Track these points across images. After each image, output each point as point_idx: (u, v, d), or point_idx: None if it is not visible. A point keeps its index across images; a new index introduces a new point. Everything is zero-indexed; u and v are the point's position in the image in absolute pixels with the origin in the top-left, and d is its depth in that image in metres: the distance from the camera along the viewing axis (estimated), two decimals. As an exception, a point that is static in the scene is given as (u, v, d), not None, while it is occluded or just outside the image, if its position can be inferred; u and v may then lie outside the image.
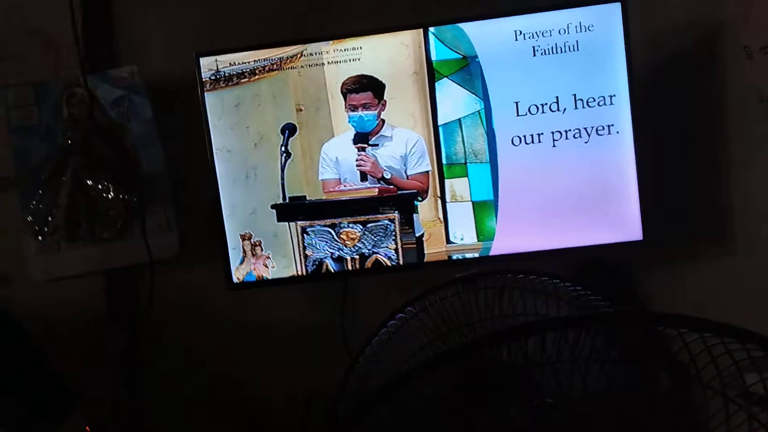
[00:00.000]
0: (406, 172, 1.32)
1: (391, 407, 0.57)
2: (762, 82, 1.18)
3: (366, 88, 1.31)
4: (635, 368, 0.63)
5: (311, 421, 1.43)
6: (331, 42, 1.30)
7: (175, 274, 1.50)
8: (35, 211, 1.41)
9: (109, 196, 1.42)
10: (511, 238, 1.32)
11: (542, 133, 1.29)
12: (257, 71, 1.32)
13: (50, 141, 1.42)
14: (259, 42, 1.32)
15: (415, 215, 1.32)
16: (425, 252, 1.33)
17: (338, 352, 1.39)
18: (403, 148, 1.32)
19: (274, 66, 1.32)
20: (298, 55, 1.32)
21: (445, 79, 1.30)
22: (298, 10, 1.47)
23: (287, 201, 1.34)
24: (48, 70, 1.45)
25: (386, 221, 1.32)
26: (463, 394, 0.77)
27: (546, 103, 1.29)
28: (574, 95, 1.28)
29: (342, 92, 1.31)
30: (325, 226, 1.33)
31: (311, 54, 1.31)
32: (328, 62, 1.31)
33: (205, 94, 1.33)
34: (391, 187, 1.32)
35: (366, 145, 1.32)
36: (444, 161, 1.32)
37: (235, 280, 1.36)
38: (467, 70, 1.30)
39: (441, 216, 1.33)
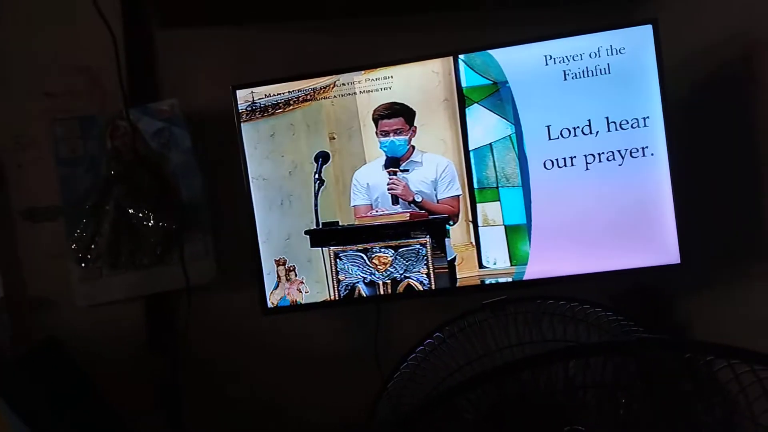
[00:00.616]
0: (436, 197, 1.33)
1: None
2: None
3: (398, 114, 1.33)
4: (666, 397, 0.61)
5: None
6: (362, 72, 1.33)
7: (212, 299, 1.53)
8: (79, 239, 1.47)
9: (149, 223, 1.47)
10: (545, 263, 1.30)
11: (575, 157, 1.28)
12: (291, 102, 1.36)
13: (94, 172, 1.48)
14: (293, 74, 1.36)
15: (446, 239, 1.32)
16: (457, 276, 1.33)
17: (372, 376, 1.39)
18: (434, 172, 1.33)
19: (308, 96, 1.35)
20: (331, 86, 1.35)
21: (476, 104, 1.31)
22: (330, 42, 1.51)
23: (320, 227, 1.36)
24: (94, 105, 1.52)
25: (418, 246, 1.32)
26: (495, 420, 0.77)
27: (578, 127, 1.28)
28: (607, 118, 1.27)
29: (374, 118, 1.33)
30: (357, 251, 1.34)
31: (344, 84, 1.34)
32: (360, 91, 1.34)
33: (242, 124, 1.37)
34: (422, 211, 1.32)
35: (397, 169, 1.33)
36: (476, 185, 1.32)
37: (269, 305, 1.38)
38: (498, 95, 1.30)
39: (473, 240, 1.32)
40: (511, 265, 1.32)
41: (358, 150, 1.35)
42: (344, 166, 1.35)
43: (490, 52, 1.30)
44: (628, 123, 1.27)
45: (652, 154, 1.26)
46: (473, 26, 1.49)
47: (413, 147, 1.33)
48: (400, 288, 1.34)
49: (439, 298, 1.33)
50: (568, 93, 1.28)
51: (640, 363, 0.58)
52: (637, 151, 1.27)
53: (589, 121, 1.28)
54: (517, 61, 1.29)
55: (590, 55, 1.27)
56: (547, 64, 1.28)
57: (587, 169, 1.28)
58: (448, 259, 1.32)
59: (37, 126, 1.50)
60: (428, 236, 1.32)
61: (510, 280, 1.31)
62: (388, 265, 1.34)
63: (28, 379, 1.27)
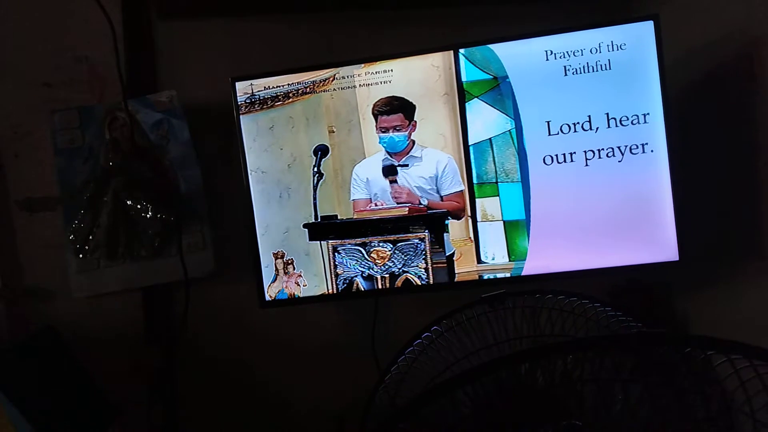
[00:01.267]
0: (438, 193, 1.33)
1: (414, 425, 0.57)
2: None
3: (397, 110, 1.32)
4: (665, 391, 0.61)
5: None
6: (362, 65, 1.33)
7: (210, 292, 1.53)
8: (77, 230, 1.47)
9: (148, 215, 1.46)
10: (544, 258, 1.30)
11: (575, 152, 1.28)
12: (291, 94, 1.36)
13: (93, 163, 1.47)
14: (293, 66, 1.35)
15: (445, 234, 1.32)
16: (456, 271, 1.33)
17: (369, 369, 1.39)
18: (434, 169, 1.32)
19: (308, 89, 1.35)
20: (331, 78, 1.34)
21: (476, 99, 1.31)
22: (330, 34, 1.50)
23: (319, 220, 1.36)
24: (92, 96, 1.52)
25: (416, 240, 1.32)
26: (492, 414, 0.77)
27: (578, 122, 1.28)
28: (607, 114, 1.27)
29: (373, 114, 1.33)
30: (355, 245, 1.34)
31: (343, 77, 1.34)
32: (360, 85, 1.33)
33: (241, 116, 1.36)
34: (422, 206, 1.32)
35: (396, 177, 1.33)
36: (475, 180, 1.32)
37: (267, 297, 1.38)
38: (498, 90, 1.30)
39: (472, 235, 1.32)
40: (510, 261, 1.32)
41: (358, 144, 1.35)
42: (343, 160, 1.35)
43: (491, 46, 1.29)
44: (628, 119, 1.27)
45: (652, 151, 1.26)
46: (474, 21, 1.49)
47: (413, 142, 1.33)
48: (398, 282, 1.34)
49: (437, 293, 1.33)
50: (568, 88, 1.28)
51: (639, 357, 0.58)
52: (637, 147, 1.27)
53: (589, 117, 1.27)
54: (517, 55, 1.29)
55: (591, 51, 1.27)
56: (547, 60, 1.28)
57: (587, 165, 1.28)
58: (447, 254, 1.32)
59: (36, 116, 1.50)
60: (427, 231, 1.32)
61: (508, 275, 1.32)
62: (387, 259, 1.34)
63: (24, 369, 1.27)
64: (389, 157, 1.33)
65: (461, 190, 1.32)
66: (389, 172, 1.33)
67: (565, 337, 0.96)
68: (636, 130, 1.26)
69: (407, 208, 1.32)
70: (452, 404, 0.64)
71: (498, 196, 1.32)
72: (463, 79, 1.30)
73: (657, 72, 1.24)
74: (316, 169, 1.35)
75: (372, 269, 1.35)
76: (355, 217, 1.35)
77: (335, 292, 1.36)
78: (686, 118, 1.31)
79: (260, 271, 1.37)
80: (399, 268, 1.34)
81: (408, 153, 1.33)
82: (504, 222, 1.32)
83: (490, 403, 0.76)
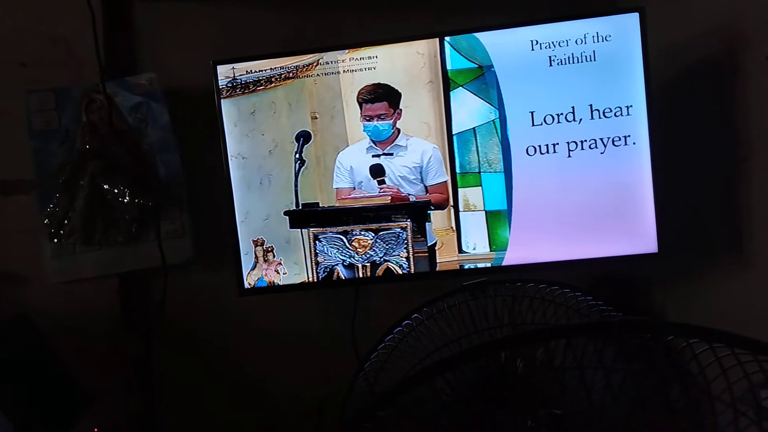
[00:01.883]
0: (423, 183, 1.32)
1: (393, 413, 0.56)
2: (783, 93, 1.15)
3: (381, 98, 1.31)
4: (646, 380, 0.61)
5: (323, 426, 1.42)
6: (346, 51, 1.31)
7: (188, 279, 1.51)
8: (52, 214, 1.44)
9: (125, 200, 1.43)
10: (525, 249, 1.31)
11: (558, 143, 1.28)
12: (273, 79, 1.34)
13: (69, 145, 1.44)
14: (276, 50, 1.33)
15: (427, 224, 1.31)
16: (437, 261, 1.32)
17: (349, 358, 1.38)
18: (419, 159, 1.31)
19: (290, 74, 1.33)
20: (314, 64, 1.32)
21: (460, 88, 1.30)
22: (314, 19, 1.48)
23: (300, 208, 1.34)
24: (69, 77, 1.48)
25: (398, 229, 1.31)
26: (472, 402, 0.76)
27: (562, 113, 1.28)
28: (591, 105, 1.27)
29: (358, 101, 1.32)
30: (337, 233, 1.33)
31: (327, 62, 1.32)
32: (344, 71, 1.32)
33: (222, 101, 1.34)
34: (404, 195, 1.31)
35: (384, 178, 1.31)
36: (458, 170, 1.31)
37: (246, 285, 1.36)
38: (482, 79, 1.29)
39: (454, 225, 1.32)
40: (491, 251, 1.32)
41: (341, 131, 1.33)
42: (326, 147, 1.34)
43: (477, 35, 1.28)
44: (611, 111, 1.27)
45: (634, 143, 1.27)
46: (460, 9, 1.47)
47: (398, 130, 1.32)
48: (380, 271, 1.33)
49: (418, 282, 1.33)
50: (552, 79, 1.27)
51: (620, 345, 0.58)
52: (620, 139, 1.27)
53: (573, 108, 1.27)
54: (503, 45, 1.28)
55: (576, 42, 1.26)
56: (533, 50, 1.28)
57: (569, 156, 1.28)
58: (429, 243, 1.32)
59: (11, 97, 1.46)
60: (409, 220, 1.31)
61: (489, 265, 1.32)
62: (368, 248, 1.33)
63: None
64: (374, 145, 1.32)
65: (445, 181, 1.32)
66: (377, 173, 1.32)
67: (545, 325, 0.96)
68: (619, 122, 1.27)
69: (389, 197, 1.31)
70: (432, 392, 0.63)
71: (480, 186, 1.32)
72: (448, 67, 1.30)
73: (641, 64, 1.25)
74: (297, 156, 1.34)
75: (353, 258, 1.34)
76: (337, 204, 1.33)
77: (316, 280, 1.35)
78: (669, 111, 1.32)
79: (239, 259, 1.36)
80: (380, 257, 1.33)
81: (393, 142, 1.32)
82: (486, 212, 1.32)
83: (469, 391, 0.76)
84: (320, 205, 1.34)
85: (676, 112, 1.35)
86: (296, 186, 1.34)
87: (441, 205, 1.32)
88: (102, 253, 1.46)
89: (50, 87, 1.45)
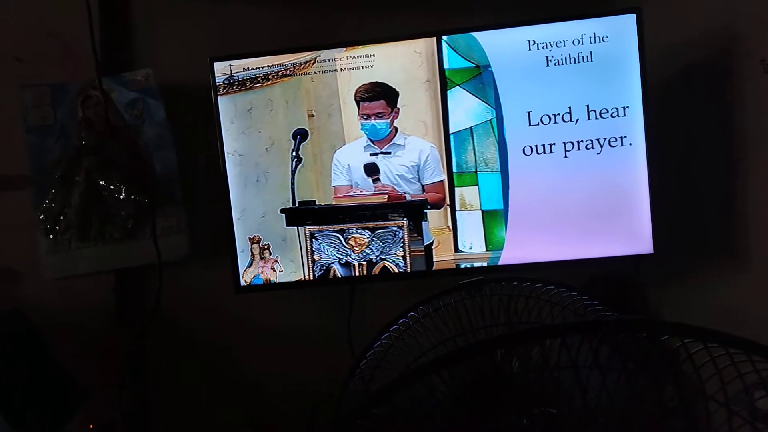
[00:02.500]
0: (420, 182, 1.32)
1: (388, 410, 0.56)
2: (778, 96, 1.16)
3: (379, 97, 1.31)
4: (640, 379, 0.61)
5: (317, 424, 1.42)
6: (344, 49, 1.31)
7: (184, 276, 1.51)
8: (47, 210, 1.43)
9: (121, 196, 1.43)
10: (520, 249, 1.31)
11: (554, 144, 1.28)
12: (270, 76, 1.33)
13: (65, 141, 1.43)
14: (273, 48, 1.33)
15: (424, 223, 1.32)
16: (434, 260, 1.32)
17: (344, 356, 1.38)
18: (416, 157, 1.31)
19: (288, 71, 1.33)
20: (312, 61, 1.32)
21: (458, 87, 1.30)
22: (312, 16, 1.48)
23: (297, 206, 1.34)
24: (65, 73, 1.47)
25: (395, 228, 1.32)
26: (467, 401, 0.77)
27: (558, 114, 1.28)
28: (587, 106, 1.27)
29: (355, 100, 1.32)
30: (333, 231, 1.33)
31: (324, 60, 1.32)
32: (341, 69, 1.32)
33: (219, 98, 1.34)
34: (401, 193, 1.32)
35: (378, 176, 1.31)
36: (455, 169, 1.32)
37: (242, 283, 1.36)
38: (480, 78, 1.29)
39: (450, 224, 1.32)
40: (487, 250, 1.32)
41: (338, 129, 1.33)
42: (323, 145, 1.33)
43: (474, 34, 1.29)
44: (607, 112, 1.27)
45: (630, 144, 1.27)
46: (458, 8, 1.47)
47: (396, 129, 1.32)
48: (376, 270, 1.33)
49: (414, 281, 1.33)
50: (549, 79, 1.28)
51: (615, 345, 0.58)
52: (616, 140, 1.27)
53: (570, 108, 1.28)
54: (500, 44, 1.28)
55: (573, 42, 1.27)
56: (530, 50, 1.28)
57: (566, 156, 1.29)
58: (425, 243, 1.32)
59: (6, 92, 1.45)
60: (406, 219, 1.31)
61: (485, 264, 1.32)
62: (365, 246, 1.33)
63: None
64: (371, 144, 1.32)
65: (442, 180, 1.32)
66: (371, 171, 1.32)
67: (541, 324, 0.96)
68: (615, 122, 1.27)
69: (386, 195, 1.31)
70: (427, 390, 0.63)
71: (477, 185, 1.32)
72: (446, 66, 1.30)
73: (638, 65, 1.25)
74: (294, 154, 1.34)
75: (350, 256, 1.34)
76: (334, 202, 1.33)
77: (312, 278, 1.35)
78: (665, 112, 1.32)
79: (236, 256, 1.36)
80: (377, 256, 1.33)
81: (391, 141, 1.32)
82: (482, 211, 1.32)
83: (465, 389, 0.76)
84: (317, 203, 1.34)
85: (672, 113, 1.35)
86: (293, 184, 1.34)
87: (437, 204, 1.32)
88: (97, 249, 1.45)
89: (46, 82, 1.45)
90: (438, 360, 0.54)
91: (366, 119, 1.32)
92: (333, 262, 1.34)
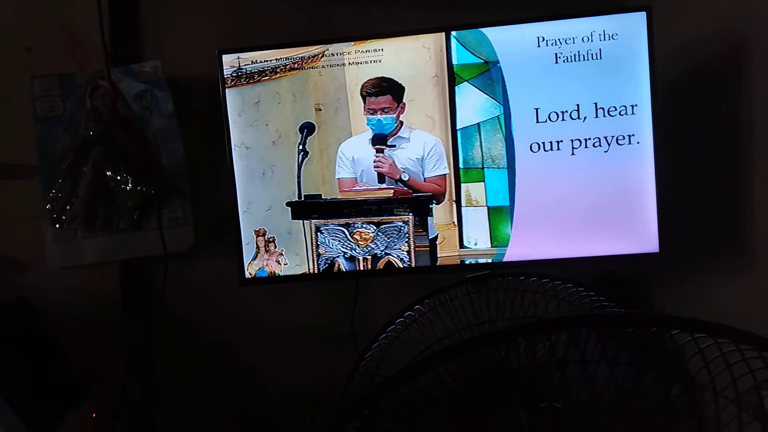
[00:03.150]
0: (423, 175, 1.32)
1: (393, 401, 0.56)
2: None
3: (385, 92, 1.31)
4: (646, 374, 0.61)
5: (320, 417, 1.43)
6: (352, 43, 1.31)
7: (189, 267, 1.51)
8: (55, 199, 1.44)
9: (128, 187, 1.43)
10: (526, 245, 1.31)
11: (561, 141, 1.28)
12: (278, 70, 1.33)
13: (73, 132, 1.44)
14: (282, 41, 1.33)
15: (429, 218, 1.31)
16: (438, 255, 1.32)
17: (348, 349, 1.38)
18: (421, 150, 1.31)
19: (296, 65, 1.33)
20: (320, 55, 1.32)
21: (466, 83, 1.30)
22: (321, 10, 1.48)
23: (303, 199, 1.34)
24: (74, 63, 1.48)
25: (400, 223, 1.31)
26: (472, 394, 0.77)
27: (566, 111, 1.28)
28: (596, 104, 1.27)
29: (362, 95, 1.31)
30: (338, 225, 1.33)
31: (333, 54, 1.32)
32: (349, 63, 1.31)
33: (226, 90, 1.34)
34: (407, 189, 1.32)
35: (384, 147, 1.32)
36: (461, 165, 1.31)
37: (247, 275, 1.36)
38: (488, 74, 1.29)
39: (455, 220, 1.32)
40: (492, 247, 1.32)
41: (345, 123, 1.33)
42: (329, 139, 1.33)
43: (483, 30, 1.28)
44: (616, 110, 1.27)
45: (638, 143, 1.27)
46: (467, 4, 1.47)
47: (401, 123, 1.32)
48: (380, 264, 1.33)
49: (418, 276, 1.33)
50: (558, 76, 1.27)
51: (623, 339, 0.58)
52: (624, 138, 1.27)
53: (578, 105, 1.27)
54: (509, 40, 1.28)
55: (583, 40, 1.26)
56: (539, 46, 1.27)
57: (573, 154, 1.28)
58: (430, 237, 1.32)
59: (15, 81, 1.46)
60: (411, 214, 1.31)
61: (490, 261, 1.32)
62: (370, 240, 1.33)
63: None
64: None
65: (445, 174, 1.32)
66: (379, 141, 1.31)
67: (549, 317, 0.96)
68: (623, 121, 1.27)
69: (393, 190, 1.31)
70: (433, 382, 0.63)
71: (483, 181, 1.31)
72: (454, 62, 1.29)
73: (647, 64, 1.24)
74: (301, 147, 1.34)
75: (354, 250, 1.34)
76: (339, 196, 1.34)
77: (316, 271, 1.35)
78: (673, 111, 1.32)
79: (241, 248, 1.36)
80: (382, 250, 1.33)
81: (396, 134, 1.32)
82: (488, 208, 1.32)
83: (469, 382, 0.76)
84: (323, 196, 1.34)
85: (680, 112, 1.35)
86: (299, 177, 1.34)
87: (437, 198, 1.32)
88: (103, 240, 1.46)
89: (55, 72, 1.45)
90: (443, 351, 0.54)
91: (372, 114, 1.32)
92: (338, 256, 1.34)
